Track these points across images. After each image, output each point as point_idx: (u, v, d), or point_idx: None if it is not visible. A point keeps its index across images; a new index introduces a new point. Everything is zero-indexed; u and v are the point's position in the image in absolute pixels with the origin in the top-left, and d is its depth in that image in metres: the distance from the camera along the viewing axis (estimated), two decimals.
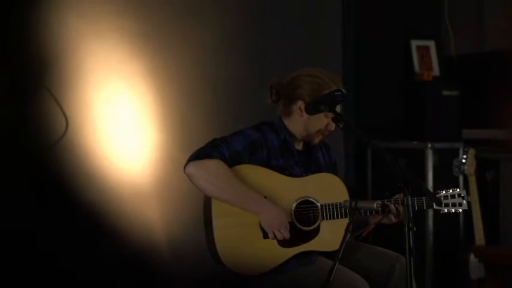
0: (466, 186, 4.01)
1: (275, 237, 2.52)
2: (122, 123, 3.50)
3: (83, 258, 3.28)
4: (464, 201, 2.64)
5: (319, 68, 2.67)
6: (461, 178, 4.09)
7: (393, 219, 2.58)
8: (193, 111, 3.66)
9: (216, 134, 2.62)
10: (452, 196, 2.64)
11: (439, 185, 4.00)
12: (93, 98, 3.41)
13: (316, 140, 2.67)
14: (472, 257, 3.94)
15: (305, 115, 2.59)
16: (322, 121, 2.59)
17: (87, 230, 3.32)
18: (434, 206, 2.62)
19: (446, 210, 2.64)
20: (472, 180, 3.99)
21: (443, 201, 2.62)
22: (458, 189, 2.65)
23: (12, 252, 3.16)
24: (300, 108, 2.60)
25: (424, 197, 2.60)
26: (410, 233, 2.17)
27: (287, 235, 2.52)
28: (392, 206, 2.53)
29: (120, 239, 3.40)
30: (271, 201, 2.53)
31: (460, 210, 2.64)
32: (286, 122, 2.66)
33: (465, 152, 4.05)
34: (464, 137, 4.22)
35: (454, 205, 2.64)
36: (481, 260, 3.93)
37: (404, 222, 2.18)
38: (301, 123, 2.62)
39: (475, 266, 3.93)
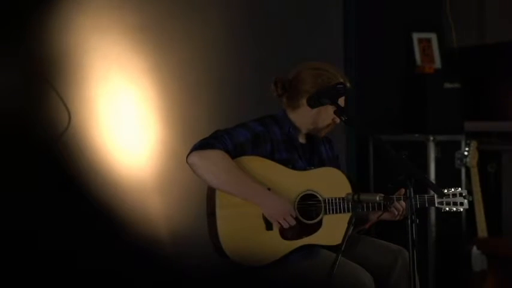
0: (468, 179, 4.01)
1: (281, 226, 2.52)
2: (124, 117, 3.50)
3: (86, 252, 3.29)
4: (466, 201, 2.65)
5: (321, 62, 2.67)
6: (463, 170, 4.09)
7: (396, 212, 2.58)
8: (195, 106, 3.66)
9: (217, 128, 2.62)
10: (454, 195, 2.65)
11: (442, 177, 4.01)
12: (96, 92, 3.41)
13: (323, 133, 2.67)
14: (474, 249, 3.94)
15: (315, 108, 2.58)
16: (331, 114, 2.59)
17: (89, 223, 3.32)
18: (436, 204, 2.63)
19: (447, 209, 2.65)
20: (474, 173, 3.99)
21: (445, 200, 2.63)
22: (460, 188, 2.66)
23: (15, 247, 3.16)
24: None
25: (425, 195, 2.61)
26: (413, 225, 2.17)
27: (292, 222, 2.52)
28: (395, 201, 2.55)
29: (123, 233, 3.41)
30: (273, 192, 2.54)
31: (461, 209, 2.65)
32: (292, 115, 2.66)
33: (467, 144, 4.05)
34: (466, 129, 4.22)
35: (455, 204, 2.65)
36: (484, 252, 3.93)
37: (407, 216, 2.19)
38: (310, 116, 2.62)
39: (477, 258, 3.93)
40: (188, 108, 3.64)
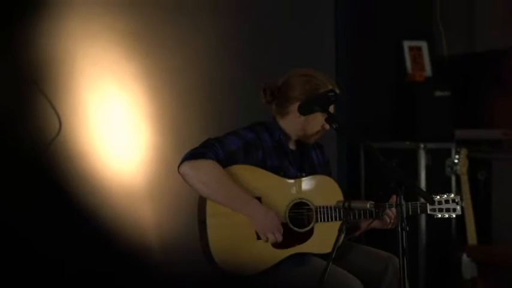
0: (458, 186, 4.02)
1: (267, 240, 2.52)
2: (115, 124, 3.49)
3: (76, 259, 3.27)
4: (458, 207, 2.64)
5: (311, 69, 2.68)
6: (453, 178, 4.10)
7: (388, 220, 2.59)
8: (185, 112, 3.66)
9: (208, 135, 2.62)
10: (447, 201, 2.64)
11: (432, 185, 4.02)
12: (86, 98, 3.40)
13: (312, 140, 2.68)
14: (464, 256, 3.95)
15: (303, 115, 2.59)
16: (320, 121, 2.60)
17: (79, 230, 3.31)
18: (428, 211, 2.63)
19: (440, 216, 2.64)
20: (464, 180, 4.00)
21: (437, 207, 2.63)
22: (452, 195, 2.66)
23: (3, 253, 3.14)
24: None
25: (418, 202, 2.61)
26: (404, 232, 2.18)
27: (280, 238, 2.52)
28: (386, 208, 2.55)
29: (113, 240, 3.39)
30: (264, 204, 2.53)
31: (454, 215, 2.65)
32: (281, 122, 2.66)
33: (457, 152, 4.06)
34: (456, 137, 4.24)
35: (448, 210, 2.64)
36: (474, 260, 3.94)
37: (397, 225, 2.20)
38: (299, 123, 2.63)
39: (467, 265, 3.94)
40: (179, 114, 3.64)
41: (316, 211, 2.57)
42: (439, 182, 4.06)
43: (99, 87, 3.44)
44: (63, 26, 3.34)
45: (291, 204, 2.57)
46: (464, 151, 4.05)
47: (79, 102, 3.39)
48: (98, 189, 3.38)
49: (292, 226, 2.56)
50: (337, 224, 2.41)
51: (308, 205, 2.58)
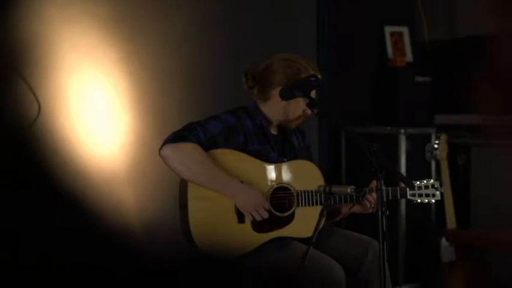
0: (438, 171, 4.05)
1: (253, 218, 2.53)
2: (95, 108, 3.48)
3: (58, 244, 3.26)
4: (438, 192, 2.67)
5: (293, 54, 2.68)
6: (433, 163, 4.14)
7: (368, 205, 2.61)
8: (166, 97, 3.65)
9: (189, 119, 2.62)
10: (426, 187, 2.67)
11: (412, 170, 4.05)
12: (66, 83, 3.38)
13: (294, 125, 2.68)
14: (443, 240, 3.99)
15: (284, 100, 2.59)
16: (301, 106, 2.60)
17: (59, 216, 3.30)
18: (408, 196, 2.65)
19: (419, 201, 2.67)
20: (444, 165, 4.03)
21: (417, 192, 2.66)
22: (432, 180, 2.68)
23: None
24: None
25: (398, 187, 2.63)
26: (384, 217, 2.20)
27: (265, 215, 2.53)
28: (367, 193, 2.57)
29: (94, 224, 3.39)
30: (246, 184, 2.54)
31: (433, 201, 2.68)
32: (263, 107, 2.67)
33: (437, 137, 4.09)
34: (437, 122, 4.27)
35: (427, 196, 2.67)
36: (452, 244, 3.98)
37: (377, 210, 2.21)
38: (280, 108, 2.63)
39: (446, 249, 3.98)
40: (159, 99, 3.63)
41: (297, 195, 2.58)
42: (419, 167, 4.09)
43: (80, 72, 3.41)
44: (44, 10, 3.30)
45: (272, 189, 2.58)
46: (444, 136, 4.07)
47: (59, 87, 3.36)
48: (79, 174, 3.37)
49: (273, 210, 2.57)
50: (318, 209, 2.42)
51: (289, 189, 2.59)
